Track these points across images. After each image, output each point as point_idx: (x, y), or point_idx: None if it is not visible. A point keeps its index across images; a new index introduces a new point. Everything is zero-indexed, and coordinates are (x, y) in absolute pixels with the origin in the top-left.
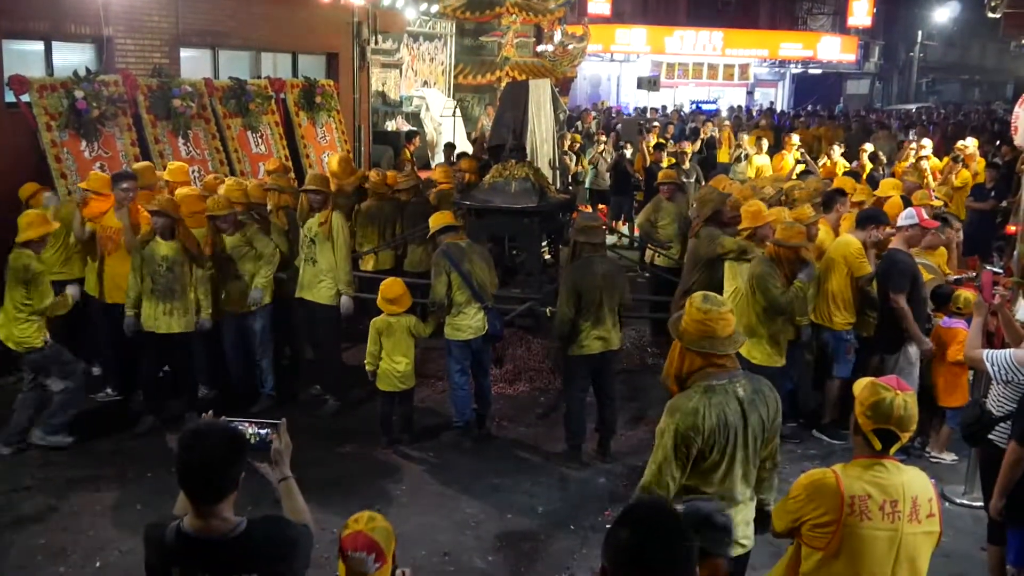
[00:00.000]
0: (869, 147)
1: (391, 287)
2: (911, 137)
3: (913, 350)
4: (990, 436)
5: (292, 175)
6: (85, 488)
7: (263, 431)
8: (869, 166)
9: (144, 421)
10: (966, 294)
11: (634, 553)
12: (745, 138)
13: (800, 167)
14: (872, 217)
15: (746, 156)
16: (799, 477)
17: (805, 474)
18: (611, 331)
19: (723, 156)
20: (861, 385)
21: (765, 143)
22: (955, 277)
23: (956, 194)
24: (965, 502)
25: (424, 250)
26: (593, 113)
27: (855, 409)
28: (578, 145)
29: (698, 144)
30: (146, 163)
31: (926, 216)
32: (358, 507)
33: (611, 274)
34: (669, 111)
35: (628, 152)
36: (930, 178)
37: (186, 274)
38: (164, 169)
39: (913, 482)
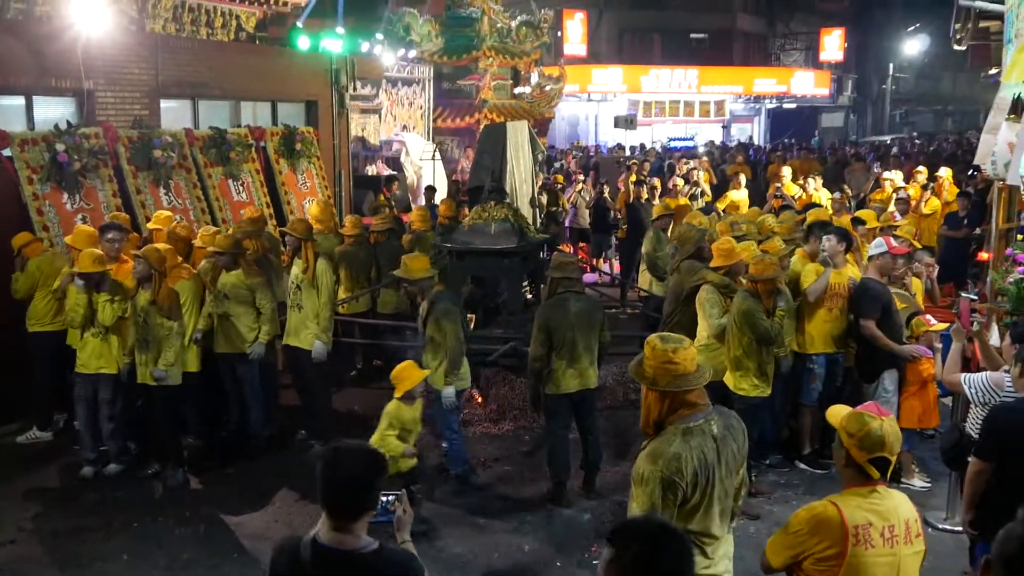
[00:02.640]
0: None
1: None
2: (876, 169)
3: (889, 379)
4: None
5: (273, 222)
6: (71, 539)
7: (385, 498)
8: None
9: (169, 475)
10: (916, 319)
11: (648, 565)
12: (701, 175)
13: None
14: (814, 227)
15: (702, 193)
16: (797, 511)
17: (804, 508)
18: (587, 369)
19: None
20: (842, 416)
21: (743, 178)
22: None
23: (925, 222)
24: (947, 527)
25: (396, 292)
26: (574, 152)
27: (843, 441)
28: (559, 185)
29: (683, 183)
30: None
31: (895, 244)
32: None
33: (586, 312)
34: (647, 149)
35: (605, 191)
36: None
37: (158, 326)
38: (147, 219)
39: (902, 504)
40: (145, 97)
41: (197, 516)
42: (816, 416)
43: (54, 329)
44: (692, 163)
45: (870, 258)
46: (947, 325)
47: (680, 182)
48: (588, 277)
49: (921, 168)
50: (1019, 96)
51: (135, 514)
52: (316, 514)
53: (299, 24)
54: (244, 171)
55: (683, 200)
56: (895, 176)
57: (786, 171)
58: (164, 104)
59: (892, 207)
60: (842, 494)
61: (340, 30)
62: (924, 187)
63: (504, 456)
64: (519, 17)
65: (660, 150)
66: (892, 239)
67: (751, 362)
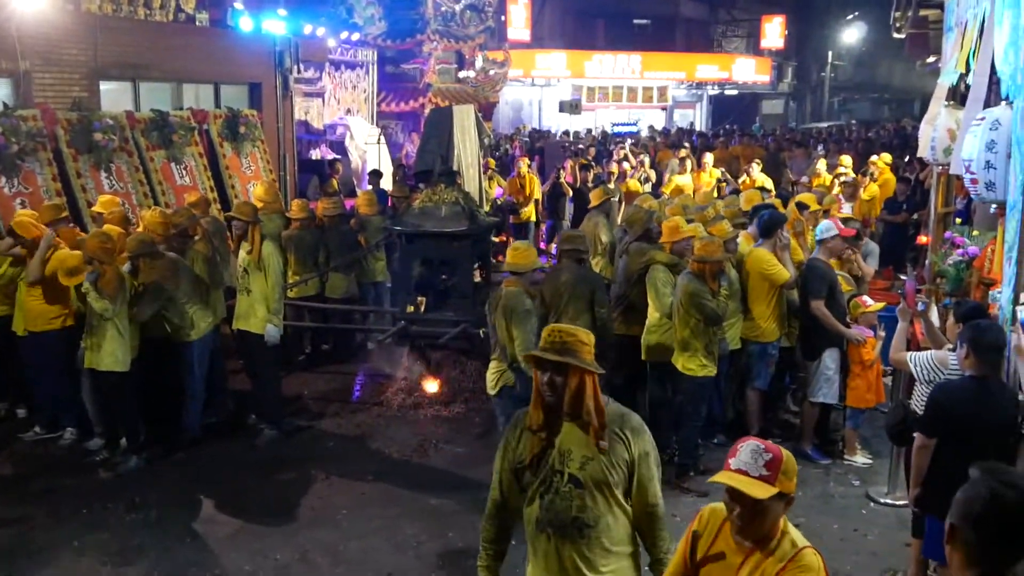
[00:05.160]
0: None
1: None
2: (820, 151)
3: (830, 358)
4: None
5: (217, 206)
6: (19, 527)
7: None
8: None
9: (120, 461)
10: (854, 300)
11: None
12: (646, 160)
13: (722, 185)
14: (774, 223)
15: (646, 179)
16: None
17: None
18: None
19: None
20: None
21: (689, 164)
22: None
23: (864, 206)
24: (889, 501)
25: (346, 277)
26: (519, 137)
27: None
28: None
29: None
30: (54, 202)
31: (843, 226)
32: (299, 533)
33: (574, 282)
34: (595, 133)
35: (563, 176)
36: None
37: (94, 311)
38: (88, 204)
39: None
40: (84, 79)
41: (147, 502)
42: (764, 398)
43: None
44: (627, 148)
45: (821, 240)
46: (883, 305)
47: (615, 168)
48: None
49: (879, 158)
50: (955, 84)
51: (84, 501)
52: (267, 498)
53: (239, 5)
54: (187, 154)
55: (633, 184)
56: (846, 160)
57: (708, 157)
58: (104, 86)
59: (836, 190)
60: None
61: (282, 11)
62: (864, 174)
63: (455, 438)
64: (463, 1)
65: (599, 135)
66: (839, 221)
67: (698, 343)
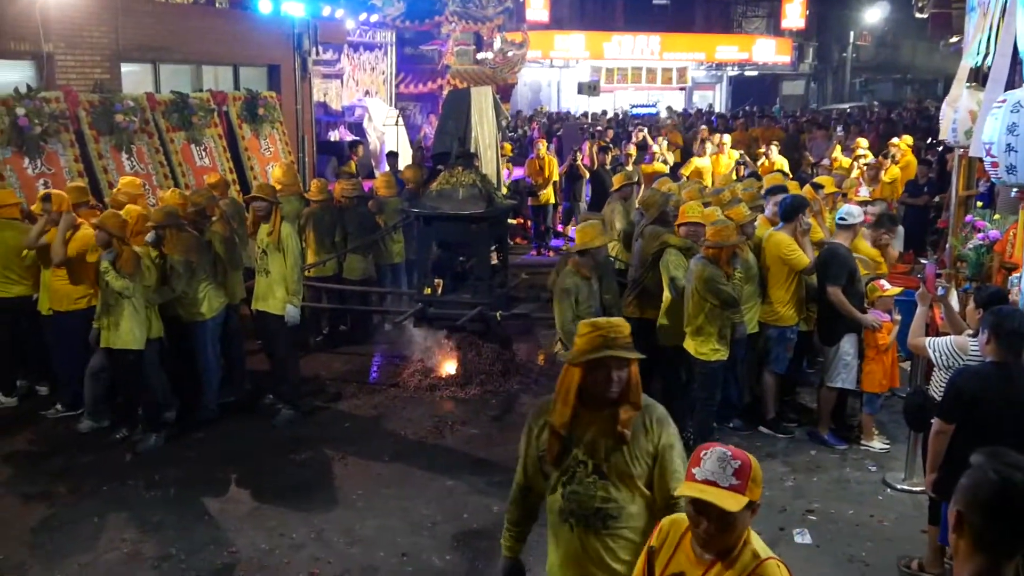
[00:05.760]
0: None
1: None
2: (839, 133)
3: (849, 344)
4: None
5: (236, 187)
6: (41, 503)
7: None
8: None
9: (139, 440)
10: (872, 284)
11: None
12: (663, 142)
13: (740, 168)
14: (795, 207)
15: (663, 160)
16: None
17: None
18: None
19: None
20: None
21: (708, 147)
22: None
23: (886, 189)
24: (906, 487)
25: (364, 258)
26: (538, 119)
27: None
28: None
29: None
30: (78, 183)
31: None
32: (315, 512)
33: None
34: (614, 115)
35: (579, 158)
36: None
37: (112, 290)
38: (110, 185)
39: None
40: (106, 61)
41: (166, 479)
42: (781, 382)
43: (9, 296)
44: (646, 130)
45: (847, 226)
46: (901, 290)
47: (633, 150)
48: (555, 243)
49: (862, 140)
50: (978, 65)
51: (104, 478)
52: (284, 477)
53: None
54: (207, 136)
55: (659, 167)
56: (863, 142)
57: (726, 138)
58: (125, 68)
59: (856, 173)
60: None
61: None
62: (885, 155)
63: (471, 419)
64: None
65: (621, 116)
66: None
67: (712, 327)
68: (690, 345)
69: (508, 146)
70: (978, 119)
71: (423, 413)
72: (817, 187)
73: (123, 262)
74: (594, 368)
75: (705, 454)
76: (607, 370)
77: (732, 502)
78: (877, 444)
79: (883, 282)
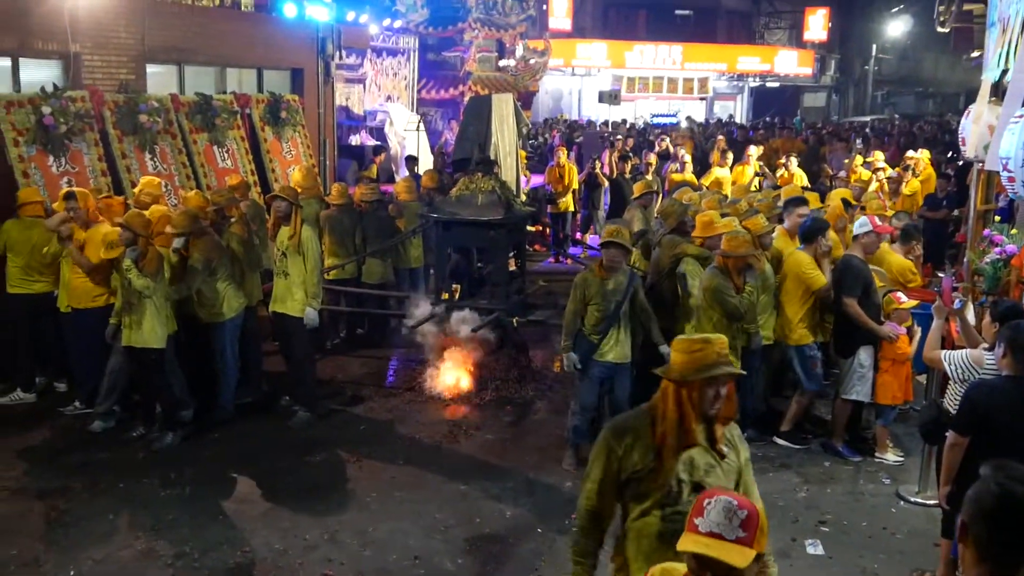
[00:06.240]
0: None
1: None
2: (858, 146)
3: (865, 355)
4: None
5: (257, 190)
6: (56, 498)
7: None
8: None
9: (156, 438)
10: (888, 296)
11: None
12: (682, 151)
13: (759, 179)
14: (816, 229)
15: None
16: None
17: None
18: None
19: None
20: None
21: (730, 156)
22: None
23: (906, 202)
24: (919, 500)
25: (383, 262)
26: (559, 126)
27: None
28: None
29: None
30: (82, 190)
31: (879, 223)
32: (329, 514)
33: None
34: (635, 124)
35: (597, 167)
36: (885, 185)
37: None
38: (132, 184)
39: None
40: (131, 62)
41: (182, 478)
42: (812, 400)
43: (27, 292)
44: (668, 139)
45: (855, 237)
46: (917, 303)
47: (653, 159)
48: (573, 250)
49: (917, 153)
50: (997, 80)
51: (120, 475)
52: (298, 478)
53: None
54: (229, 138)
55: (689, 176)
56: (880, 156)
57: (752, 149)
58: (150, 69)
59: (874, 186)
60: None
61: None
62: (904, 169)
63: (486, 425)
64: None
65: (642, 126)
66: (876, 218)
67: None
68: None
69: (523, 153)
70: (995, 134)
71: (438, 417)
72: (848, 205)
73: (147, 262)
74: (706, 385)
75: (708, 503)
76: (716, 387)
77: (740, 557)
78: (891, 456)
79: (900, 294)
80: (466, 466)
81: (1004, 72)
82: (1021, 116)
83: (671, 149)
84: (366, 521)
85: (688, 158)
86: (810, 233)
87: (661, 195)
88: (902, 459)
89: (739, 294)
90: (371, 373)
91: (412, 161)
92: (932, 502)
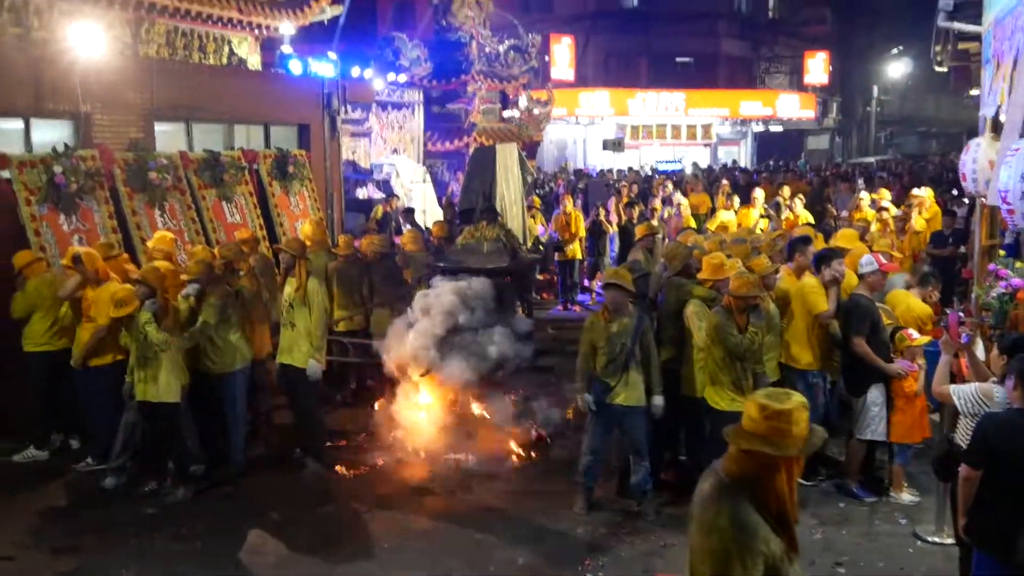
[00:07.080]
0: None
1: None
2: (860, 186)
3: (876, 393)
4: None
5: (265, 244)
6: (70, 556)
7: None
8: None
9: (168, 493)
10: (899, 333)
11: None
12: (682, 198)
13: (764, 221)
14: (825, 257)
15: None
16: None
17: None
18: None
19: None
20: None
21: (736, 200)
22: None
23: (913, 240)
24: (936, 540)
25: (389, 313)
26: (564, 175)
27: None
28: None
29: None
30: (88, 250)
31: (884, 261)
32: (342, 564)
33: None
34: (639, 171)
35: (602, 214)
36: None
37: (151, 343)
38: (142, 241)
39: None
40: (140, 120)
41: (194, 532)
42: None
43: (51, 349)
44: (670, 185)
45: (861, 275)
46: (928, 339)
47: (659, 204)
48: (581, 297)
49: (921, 191)
50: (996, 115)
51: (132, 531)
52: (310, 530)
53: (288, 49)
54: (237, 193)
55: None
56: (885, 194)
57: (758, 192)
58: (159, 127)
59: (876, 226)
60: None
61: (332, 54)
62: (908, 206)
63: (498, 472)
64: (507, 42)
65: (648, 172)
66: (881, 256)
67: (726, 377)
68: (708, 394)
69: (537, 199)
70: (995, 169)
71: (451, 466)
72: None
73: (164, 315)
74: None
75: None
76: None
77: None
78: (906, 497)
79: (911, 331)
80: (479, 514)
81: (999, 107)
82: (1017, 149)
83: (671, 195)
84: (379, 571)
85: (684, 201)
86: (820, 262)
87: (665, 238)
88: (918, 499)
89: (742, 333)
90: (381, 424)
91: (409, 213)
92: (949, 542)
